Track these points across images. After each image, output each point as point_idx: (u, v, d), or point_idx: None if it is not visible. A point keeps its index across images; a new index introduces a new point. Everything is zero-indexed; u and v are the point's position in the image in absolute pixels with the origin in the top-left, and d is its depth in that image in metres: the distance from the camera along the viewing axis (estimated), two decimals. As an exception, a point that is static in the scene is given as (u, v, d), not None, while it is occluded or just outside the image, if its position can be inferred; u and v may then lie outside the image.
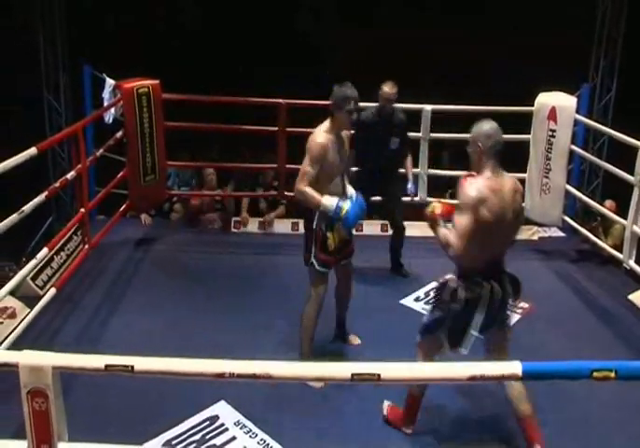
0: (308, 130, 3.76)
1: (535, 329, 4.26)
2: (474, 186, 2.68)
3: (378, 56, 8.98)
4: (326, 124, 3.50)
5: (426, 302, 4.54)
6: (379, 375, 1.70)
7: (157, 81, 5.28)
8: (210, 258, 5.21)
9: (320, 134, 3.45)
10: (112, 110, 5.34)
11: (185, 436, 3.12)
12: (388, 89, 4.66)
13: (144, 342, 3.82)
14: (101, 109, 5.29)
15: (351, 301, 4.21)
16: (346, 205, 3.38)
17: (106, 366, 1.74)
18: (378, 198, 4.87)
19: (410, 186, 4.92)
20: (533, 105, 5.58)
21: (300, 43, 9.78)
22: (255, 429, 3.17)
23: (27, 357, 1.80)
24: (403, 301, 4.58)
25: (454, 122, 5.44)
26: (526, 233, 5.90)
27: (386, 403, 3.24)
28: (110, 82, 5.43)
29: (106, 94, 5.45)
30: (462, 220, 2.68)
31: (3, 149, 3.67)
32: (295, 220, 5.70)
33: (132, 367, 1.74)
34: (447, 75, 8.56)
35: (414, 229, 5.01)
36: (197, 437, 3.12)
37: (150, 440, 3.00)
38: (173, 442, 3.07)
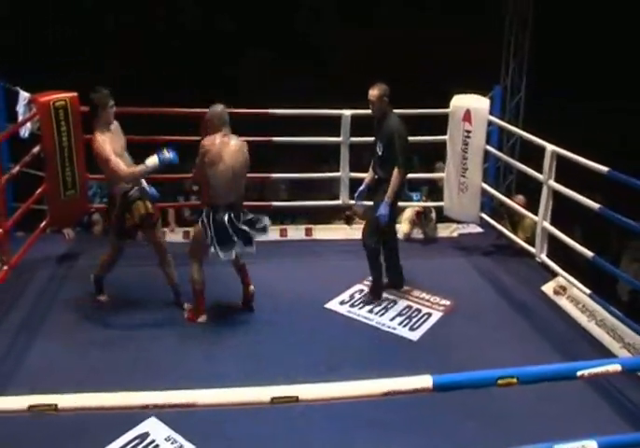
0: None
1: (458, 325, 4.47)
2: (206, 141, 4.10)
3: (378, 56, 9.10)
4: (97, 129, 4.14)
5: (351, 305, 4.68)
6: (297, 397, 1.79)
7: (74, 94, 5.16)
8: (135, 271, 5.11)
9: (97, 139, 4.11)
10: (28, 124, 5.20)
11: (116, 457, 3.13)
12: (370, 90, 4.50)
13: (70, 363, 3.80)
14: (16, 124, 5.16)
15: (276, 304, 4.49)
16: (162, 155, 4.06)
17: (29, 406, 1.75)
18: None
19: (382, 207, 4.48)
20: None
21: (300, 43, 9.76)
22: (186, 444, 3.19)
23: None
24: (328, 305, 4.66)
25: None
26: (446, 231, 6.15)
27: (186, 305, 4.44)
28: (25, 95, 5.29)
29: (21, 108, 5.30)
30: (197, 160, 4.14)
31: None
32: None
33: (56, 405, 1.76)
34: (447, 75, 8.69)
35: (336, 231, 5.11)
36: (129, 456, 3.14)
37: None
38: (105, 464, 3.07)
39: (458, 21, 9.35)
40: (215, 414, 3.26)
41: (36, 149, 5.11)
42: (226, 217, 4.09)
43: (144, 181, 4.34)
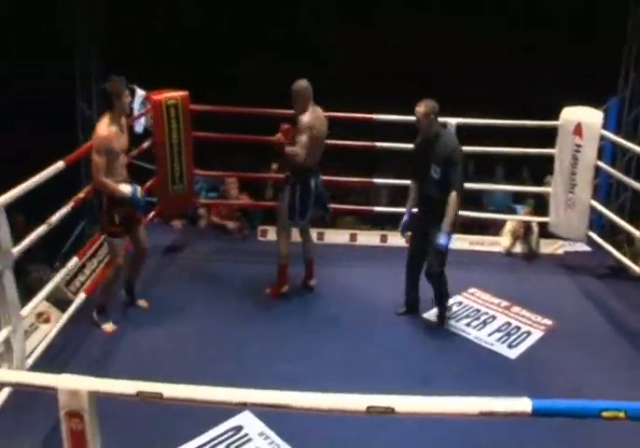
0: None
1: (558, 346, 4.31)
2: (307, 117, 4.38)
3: (378, 56, 9.07)
4: (107, 116, 3.96)
5: (449, 316, 4.59)
6: (393, 409, 1.78)
7: (186, 93, 5.39)
8: (237, 266, 5.31)
9: (103, 128, 3.93)
10: (142, 120, 5.48)
11: (208, 446, 3.22)
12: (416, 106, 4.18)
13: (167, 352, 3.98)
14: (131, 119, 5.43)
15: (374, 310, 4.48)
16: (137, 191, 4.06)
17: (138, 392, 1.86)
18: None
19: (441, 237, 4.10)
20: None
21: (300, 43, 9.85)
22: (278, 441, 3.24)
23: (65, 382, 1.93)
24: (425, 315, 4.62)
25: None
26: (550, 247, 5.91)
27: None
28: (141, 93, 5.58)
29: (137, 105, 5.60)
30: (302, 138, 4.35)
31: (41, 154, 3.95)
32: (321, 230, 5.80)
33: (162, 394, 1.85)
34: (447, 75, 8.55)
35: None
36: (221, 447, 3.21)
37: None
38: (197, 453, 3.15)
39: (458, 21, 9.09)
40: (311, 415, 3.31)
41: (147, 144, 5.36)
42: (312, 183, 4.51)
43: (138, 188, 4.11)
